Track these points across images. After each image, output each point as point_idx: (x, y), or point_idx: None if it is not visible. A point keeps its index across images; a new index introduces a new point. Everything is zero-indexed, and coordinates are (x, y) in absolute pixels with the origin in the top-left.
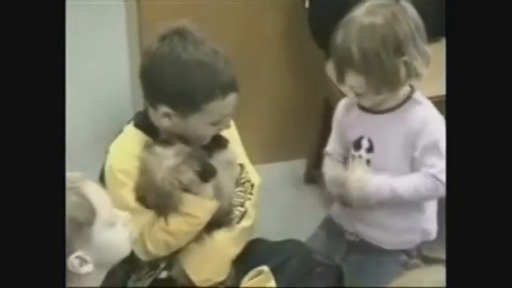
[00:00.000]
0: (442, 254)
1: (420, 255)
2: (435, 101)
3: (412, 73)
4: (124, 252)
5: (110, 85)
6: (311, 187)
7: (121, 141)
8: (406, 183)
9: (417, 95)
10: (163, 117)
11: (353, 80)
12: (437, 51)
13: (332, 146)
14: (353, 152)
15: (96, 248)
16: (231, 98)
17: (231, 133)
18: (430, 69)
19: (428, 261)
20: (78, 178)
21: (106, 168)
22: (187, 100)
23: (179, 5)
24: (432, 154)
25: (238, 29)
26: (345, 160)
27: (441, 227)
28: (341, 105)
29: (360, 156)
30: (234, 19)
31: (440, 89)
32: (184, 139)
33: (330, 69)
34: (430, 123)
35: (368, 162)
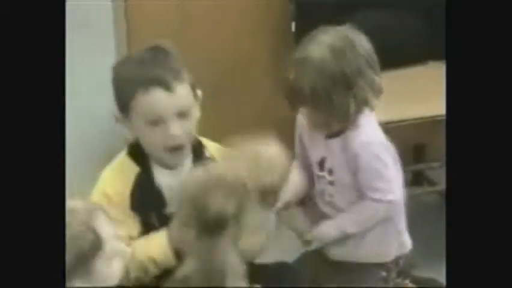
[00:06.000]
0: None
1: (398, 268)
2: (421, 122)
3: (361, 104)
4: (114, 283)
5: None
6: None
7: (112, 168)
8: (352, 219)
9: (361, 119)
10: (120, 123)
11: (304, 115)
12: (424, 74)
13: (296, 150)
14: (317, 172)
15: (93, 278)
16: (157, 94)
17: None
18: (416, 91)
19: (418, 282)
20: (88, 210)
21: (94, 192)
22: (120, 98)
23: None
24: (372, 177)
25: (225, 49)
26: (307, 167)
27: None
28: (302, 118)
29: (324, 177)
30: (220, 40)
31: (427, 111)
32: None
33: None
34: (366, 151)
35: (332, 183)
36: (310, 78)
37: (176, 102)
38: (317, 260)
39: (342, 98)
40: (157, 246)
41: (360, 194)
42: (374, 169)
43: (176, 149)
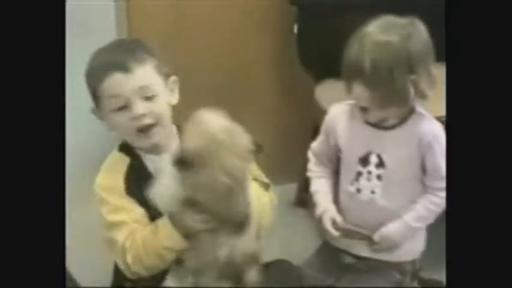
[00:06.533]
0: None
1: (413, 269)
2: None
3: (419, 93)
4: None
5: None
6: (301, 211)
7: (106, 163)
8: (418, 214)
9: (420, 108)
10: (97, 115)
11: (359, 92)
12: None
13: (318, 146)
14: (359, 168)
15: None
16: (116, 77)
17: None
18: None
19: (424, 282)
20: None
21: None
22: (90, 88)
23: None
24: (440, 173)
25: (226, 51)
26: (329, 163)
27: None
28: (339, 112)
29: (369, 172)
30: (222, 42)
31: (427, 112)
32: None
33: (319, 94)
34: (438, 138)
35: (379, 177)
36: (373, 52)
37: (135, 82)
38: (326, 263)
39: (402, 80)
40: (163, 232)
41: (422, 187)
42: (443, 158)
43: (145, 129)
